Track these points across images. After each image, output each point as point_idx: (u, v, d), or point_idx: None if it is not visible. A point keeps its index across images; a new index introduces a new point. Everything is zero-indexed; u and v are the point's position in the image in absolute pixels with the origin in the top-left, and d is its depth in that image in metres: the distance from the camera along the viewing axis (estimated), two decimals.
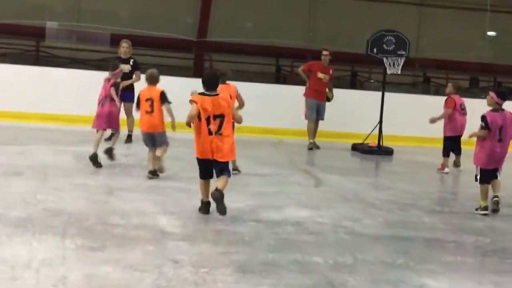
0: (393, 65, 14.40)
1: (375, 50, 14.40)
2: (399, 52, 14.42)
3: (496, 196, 8.85)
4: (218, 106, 7.51)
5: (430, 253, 6.90)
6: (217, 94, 7.62)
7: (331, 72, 15.00)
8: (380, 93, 15.44)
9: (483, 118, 8.88)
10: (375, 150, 14.52)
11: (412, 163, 13.68)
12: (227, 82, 9.54)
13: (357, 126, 16.45)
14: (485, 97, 9.76)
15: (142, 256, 6.06)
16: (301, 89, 15.14)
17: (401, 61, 14.40)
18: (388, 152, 14.55)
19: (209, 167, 7.64)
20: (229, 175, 7.66)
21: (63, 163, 10.37)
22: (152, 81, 9.70)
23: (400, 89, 18.69)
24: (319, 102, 14.95)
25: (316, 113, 14.87)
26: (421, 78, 22.38)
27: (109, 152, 10.40)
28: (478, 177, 8.97)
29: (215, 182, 7.59)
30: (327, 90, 15.02)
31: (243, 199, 8.76)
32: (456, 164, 12.68)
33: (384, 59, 14.40)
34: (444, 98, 12.74)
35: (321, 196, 9.48)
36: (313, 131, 14.85)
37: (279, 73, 21.75)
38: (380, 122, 14.64)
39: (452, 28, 21.96)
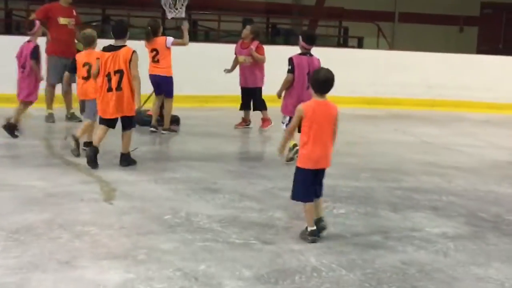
0: (174, 7, 11.14)
1: None
2: None
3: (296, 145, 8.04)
4: (117, 62, 7.54)
5: None
6: (122, 46, 7.64)
7: (74, 14, 11.32)
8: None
9: (290, 60, 8.50)
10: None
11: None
12: None
13: None
14: None
15: None
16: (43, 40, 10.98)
17: (185, 2, 11.19)
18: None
19: (112, 123, 7.83)
20: (130, 129, 7.86)
21: None
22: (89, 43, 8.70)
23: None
24: (67, 58, 10.58)
25: (61, 74, 10.78)
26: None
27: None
28: (285, 125, 8.40)
29: None
30: (75, 41, 11.19)
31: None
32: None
33: (162, 1, 11.08)
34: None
35: (128, 221, 5.91)
36: (52, 97, 11.19)
37: (10, 19, 17.10)
38: None
39: None
